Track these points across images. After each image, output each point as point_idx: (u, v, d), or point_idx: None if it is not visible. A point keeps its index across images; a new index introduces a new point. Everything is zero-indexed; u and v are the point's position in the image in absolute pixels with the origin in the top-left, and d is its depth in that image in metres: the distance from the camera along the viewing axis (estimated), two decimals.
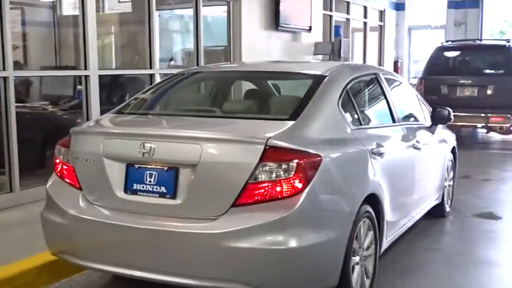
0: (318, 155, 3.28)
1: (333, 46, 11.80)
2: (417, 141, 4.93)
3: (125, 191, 3.50)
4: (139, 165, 3.46)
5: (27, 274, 4.09)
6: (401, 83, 5.52)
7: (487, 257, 4.92)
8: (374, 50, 15.54)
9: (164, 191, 3.38)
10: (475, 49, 12.17)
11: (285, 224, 3.15)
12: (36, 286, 4.11)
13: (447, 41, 12.81)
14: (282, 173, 3.18)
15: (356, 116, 4.09)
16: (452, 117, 5.65)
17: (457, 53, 11.90)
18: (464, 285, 4.34)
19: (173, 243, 3.30)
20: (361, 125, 4.10)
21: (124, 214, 3.47)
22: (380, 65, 14.65)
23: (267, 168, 3.18)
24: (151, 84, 7.36)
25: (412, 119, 5.30)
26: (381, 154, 4.02)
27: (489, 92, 10.59)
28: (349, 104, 4.03)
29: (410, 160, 4.80)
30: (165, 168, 3.39)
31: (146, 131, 3.64)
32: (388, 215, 4.13)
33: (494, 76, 11.10)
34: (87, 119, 6.41)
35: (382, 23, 15.81)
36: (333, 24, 12.98)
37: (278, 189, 3.18)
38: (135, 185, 3.47)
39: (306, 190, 3.20)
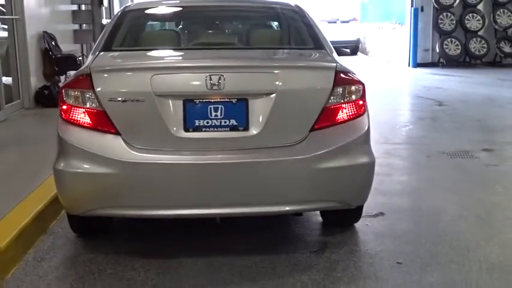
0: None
1: None
2: None
3: (185, 129, 3.29)
4: (201, 100, 3.30)
5: None
6: None
7: None
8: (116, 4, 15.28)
9: (235, 123, 3.32)
10: None
11: (361, 142, 3.48)
12: None
13: None
14: (351, 96, 3.46)
15: None
16: None
17: None
18: None
19: (259, 173, 3.30)
20: None
21: (188, 153, 3.29)
22: (109, 19, 14.44)
23: (340, 91, 3.42)
24: None
25: None
26: None
27: None
28: None
29: None
30: (234, 100, 3.31)
31: (213, 62, 3.43)
32: None
33: None
34: None
35: None
36: None
37: (349, 111, 3.45)
38: (197, 121, 3.30)
39: (366, 111, 3.54)
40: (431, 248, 3.80)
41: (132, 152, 3.25)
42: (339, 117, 3.42)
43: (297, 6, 4.48)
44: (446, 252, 3.72)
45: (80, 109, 3.31)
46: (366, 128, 3.48)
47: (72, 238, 4.01)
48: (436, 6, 15.94)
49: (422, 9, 16.13)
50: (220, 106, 3.30)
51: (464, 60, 16.00)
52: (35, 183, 4.65)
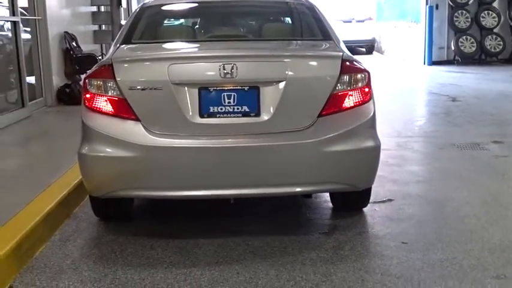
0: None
1: None
2: None
3: (200, 115, 3.50)
4: (215, 88, 3.50)
5: None
6: None
7: None
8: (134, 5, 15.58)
9: (247, 109, 3.52)
10: None
11: (367, 126, 3.66)
12: None
13: None
14: (357, 83, 3.64)
15: None
16: None
17: None
18: None
19: (270, 156, 3.50)
20: None
21: (203, 137, 3.49)
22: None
23: (346, 79, 3.60)
24: None
25: None
26: None
27: None
28: None
29: None
30: (246, 88, 3.51)
31: (226, 52, 3.64)
32: None
33: None
34: None
35: None
36: None
37: (355, 98, 3.64)
38: (211, 108, 3.51)
39: (372, 98, 3.72)
40: (436, 230, 3.96)
41: (151, 136, 3.47)
42: (345, 103, 3.60)
43: (307, 1, 4.69)
44: (450, 234, 3.89)
45: (102, 97, 3.54)
46: (372, 114, 3.66)
47: (94, 222, 4.24)
48: (451, 4, 16.01)
49: (437, 7, 16.22)
50: (233, 93, 3.50)
51: (480, 58, 16.06)
52: (59, 173, 4.90)
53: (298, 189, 3.61)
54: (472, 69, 15.08)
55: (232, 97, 3.51)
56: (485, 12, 16.00)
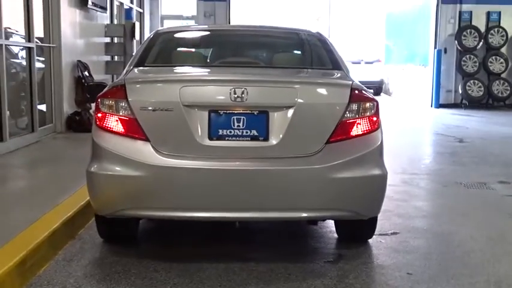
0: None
1: (124, 29, 11.81)
2: None
3: (210, 138, 3.54)
4: (225, 111, 3.55)
5: None
6: None
7: None
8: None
9: (256, 133, 3.56)
10: None
11: (374, 155, 3.68)
12: None
13: None
14: (365, 112, 3.68)
15: None
16: None
17: None
18: None
19: (277, 180, 3.52)
20: None
21: (211, 160, 3.52)
22: None
23: (355, 107, 3.64)
24: None
25: None
26: None
27: None
28: None
29: None
30: (255, 112, 3.56)
31: (237, 77, 3.70)
32: None
33: None
34: None
35: (142, 10, 16.14)
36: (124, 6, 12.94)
37: (363, 126, 3.67)
38: (220, 130, 3.55)
39: (380, 127, 3.76)
40: (441, 262, 3.95)
41: (160, 157, 3.50)
42: (353, 131, 3.64)
43: (318, 33, 4.78)
44: (455, 266, 3.87)
45: (113, 116, 3.59)
46: (379, 143, 3.69)
47: (98, 243, 4.24)
48: (459, 48, 16.18)
49: (445, 51, 16.39)
50: (242, 117, 3.55)
51: (487, 102, 16.14)
52: (65, 195, 4.92)
53: (303, 215, 3.62)
54: (478, 113, 15.14)
55: (241, 121, 3.55)
56: (493, 57, 16.15)
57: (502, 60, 16.13)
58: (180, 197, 3.51)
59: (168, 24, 17.97)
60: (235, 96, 3.50)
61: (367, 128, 3.68)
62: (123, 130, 3.58)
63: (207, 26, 5.23)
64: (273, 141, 3.55)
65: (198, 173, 3.49)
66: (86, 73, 9.93)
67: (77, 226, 4.51)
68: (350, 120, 3.63)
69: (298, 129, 3.56)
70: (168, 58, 4.42)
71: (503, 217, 5.20)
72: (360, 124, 3.65)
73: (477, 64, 16.06)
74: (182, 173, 3.49)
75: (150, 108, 3.53)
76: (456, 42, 16.17)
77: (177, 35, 4.89)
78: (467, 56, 16.11)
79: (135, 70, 3.98)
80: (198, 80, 3.71)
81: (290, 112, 3.55)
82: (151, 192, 3.51)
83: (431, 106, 16.36)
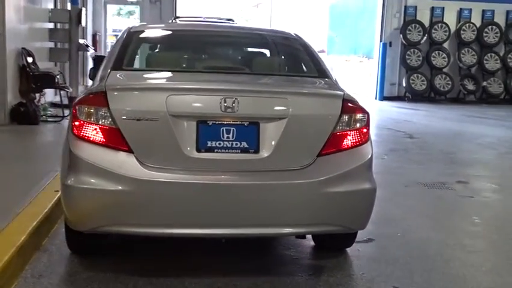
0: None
1: (70, 15, 11.30)
2: None
3: (198, 150, 3.35)
4: (214, 122, 3.37)
5: None
6: None
7: None
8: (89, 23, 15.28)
9: (246, 146, 3.40)
10: None
11: (365, 168, 3.60)
12: None
13: None
14: (356, 124, 3.59)
15: None
16: None
17: None
18: None
19: (268, 195, 3.37)
20: None
21: (200, 173, 3.34)
22: (83, 38, 14.38)
23: (346, 119, 3.54)
24: None
25: None
26: None
27: None
28: None
29: None
30: (246, 123, 3.39)
31: (228, 86, 3.51)
32: None
33: None
34: None
35: None
36: None
37: (354, 138, 3.58)
38: (209, 142, 3.37)
39: (369, 139, 3.68)
40: (423, 273, 3.92)
41: (144, 170, 3.28)
42: (344, 143, 3.54)
43: (297, 35, 4.64)
44: (439, 278, 3.86)
45: (93, 125, 3.34)
46: (370, 156, 3.60)
47: (66, 255, 3.98)
48: (404, 42, 16.45)
49: (390, 45, 16.64)
50: (232, 128, 3.37)
51: (429, 96, 16.52)
52: (22, 202, 4.59)
53: (294, 230, 3.51)
54: (422, 106, 15.48)
55: (231, 132, 3.38)
56: (436, 52, 16.52)
57: (444, 55, 16.51)
58: (167, 213, 3.31)
59: (111, 9, 17.41)
60: (226, 106, 3.33)
61: (358, 140, 3.59)
62: (104, 140, 3.33)
63: (183, 25, 4.94)
64: (264, 153, 3.40)
65: (185, 188, 3.30)
66: (31, 60, 9.42)
67: (41, 236, 4.23)
68: (341, 132, 3.53)
69: (290, 141, 3.42)
70: (148, 61, 4.16)
71: (471, 222, 5.27)
72: (351, 136, 3.56)
73: (421, 58, 16.39)
74: (168, 187, 3.29)
75: (134, 117, 3.30)
76: (401, 36, 16.44)
77: (153, 35, 4.62)
78: (412, 50, 16.41)
79: (114, 75, 3.69)
80: (187, 88, 3.48)
81: (282, 123, 3.40)
82: (136, 208, 3.29)
83: (376, 98, 16.60)
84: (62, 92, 10.06)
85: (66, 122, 9.35)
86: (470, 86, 16.67)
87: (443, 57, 16.49)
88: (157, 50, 4.56)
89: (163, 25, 4.72)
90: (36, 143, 8.17)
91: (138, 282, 3.58)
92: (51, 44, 11.55)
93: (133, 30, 4.38)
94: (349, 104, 3.57)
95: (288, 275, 3.80)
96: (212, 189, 3.32)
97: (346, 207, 3.52)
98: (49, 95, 10.87)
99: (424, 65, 16.42)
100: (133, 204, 3.29)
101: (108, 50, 17.36)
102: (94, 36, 16.51)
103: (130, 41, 4.17)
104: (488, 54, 16.74)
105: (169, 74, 3.88)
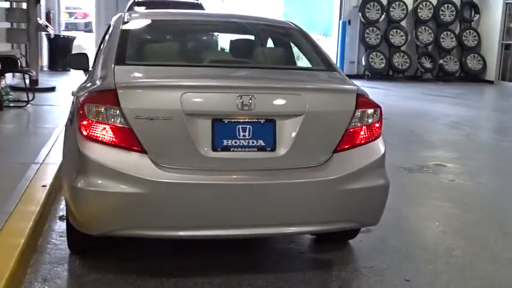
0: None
1: None
2: None
3: (213, 149, 3.26)
4: (230, 120, 3.27)
5: None
6: None
7: None
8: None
9: (263, 144, 3.32)
10: None
11: (379, 164, 3.58)
12: None
13: None
14: (369, 119, 3.56)
15: None
16: None
17: None
18: None
19: (286, 194, 3.31)
20: None
21: (216, 173, 3.25)
22: (40, 18, 13.82)
23: (360, 114, 3.51)
24: None
25: None
26: None
27: None
28: None
29: None
30: (262, 121, 3.31)
31: (245, 83, 3.39)
32: None
33: None
34: None
35: None
36: None
37: (368, 134, 3.55)
38: (225, 141, 3.28)
39: (381, 134, 3.66)
40: (429, 265, 3.96)
41: (160, 171, 3.17)
42: (359, 139, 3.50)
43: (296, 25, 4.56)
44: (445, 270, 3.90)
45: (103, 125, 3.18)
46: (383, 151, 3.58)
47: (66, 256, 3.85)
48: (362, 20, 16.55)
49: (349, 23, 16.71)
50: (248, 126, 3.29)
51: (388, 74, 16.72)
52: (9, 200, 4.38)
53: (313, 228, 3.47)
54: (381, 84, 15.65)
55: (247, 130, 3.29)
56: (394, 30, 16.69)
57: (402, 33, 16.71)
58: (183, 214, 3.20)
59: None
60: (242, 103, 3.23)
61: (372, 135, 3.56)
62: (115, 140, 3.19)
63: (183, 13, 4.75)
64: (281, 151, 3.33)
65: (201, 188, 3.20)
66: None
67: (37, 236, 4.06)
68: (356, 128, 3.49)
69: (307, 138, 3.36)
70: (152, 55, 3.97)
71: (459, 207, 5.36)
72: (365, 131, 3.53)
73: (379, 36, 16.54)
74: (184, 189, 3.18)
75: (147, 116, 3.16)
76: (360, 14, 16.53)
77: (153, 25, 4.37)
78: (370, 28, 16.53)
79: (121, 70, 3.49)
80: (203, 86, 3.35)
81: (299, 120, 3.33)
82: (152, 211, 3.17)
83: None
84: (25, 75, 9.64)
85: (31, 108, 9.05)
86: (427, 64, 16.96)
87: (401, 36, 16.68)
88: (160, 41, 4.36)
89: (160, 12, 4.51)
90: (5, 132, 7.79)
91: (148, 283, 3.48)
92: (8, 25, 11.04)
93: (128, 20, 4.17)
94: (363, 99, 3.53)
95: (298, 271, 3.77)
96: (230, 190, 3.24)
97: (362, 203, 3.50)
98: (7, 77, 10.42)
99: (383, 44, 16.59)
100: (149, 206, 3.17)
101: (63, 28, 16.74)
102: (47, 14, 15.91)
103: (129, 32, 3.97)
104: (444, 33, 17.04)
105: (181, 70, 3.70)
